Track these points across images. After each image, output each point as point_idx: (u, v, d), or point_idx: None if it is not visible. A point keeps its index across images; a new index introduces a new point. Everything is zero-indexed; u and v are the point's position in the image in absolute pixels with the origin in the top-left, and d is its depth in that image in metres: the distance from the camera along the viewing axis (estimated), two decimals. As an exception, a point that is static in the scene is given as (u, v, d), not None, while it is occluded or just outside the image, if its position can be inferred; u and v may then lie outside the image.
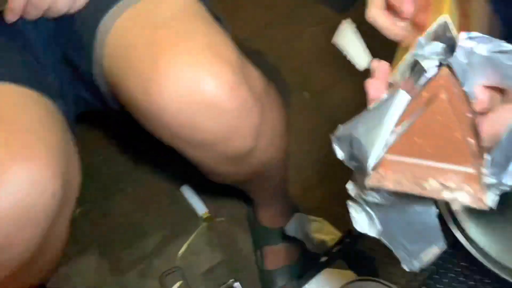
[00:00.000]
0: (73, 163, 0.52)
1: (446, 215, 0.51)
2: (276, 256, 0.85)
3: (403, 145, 0.32)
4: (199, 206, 0.94)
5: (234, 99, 0.48)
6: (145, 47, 0.48)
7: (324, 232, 0.64)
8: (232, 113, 0.48)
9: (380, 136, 0.33)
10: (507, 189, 0.33)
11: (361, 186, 0.36)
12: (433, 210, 0.35)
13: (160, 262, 0.89)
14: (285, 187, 0.84)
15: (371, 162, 0.33)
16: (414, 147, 0.32)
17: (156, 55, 0.47)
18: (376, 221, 0.36)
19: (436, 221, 0.35)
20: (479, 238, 0.50)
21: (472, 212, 0.53)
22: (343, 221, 0.71)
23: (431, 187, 0.31)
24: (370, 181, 0.32)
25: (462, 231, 0.50)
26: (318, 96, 1.09)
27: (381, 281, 0.46)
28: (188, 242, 0.91)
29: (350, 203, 0.37)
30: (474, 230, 0.51)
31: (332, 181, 1.02)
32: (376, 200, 0.35)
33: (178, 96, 0.46)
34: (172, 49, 0.47)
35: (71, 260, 0.88)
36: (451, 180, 0.31)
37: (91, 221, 0.91)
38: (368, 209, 0.36)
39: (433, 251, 0.37)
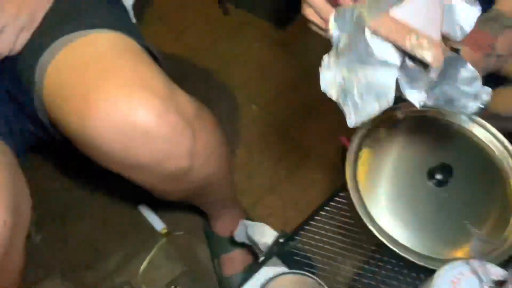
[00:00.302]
0: (22, 192, 0.58)
1: (362, 212, 0.59)
2: (232, 263, 0.91)
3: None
4: (157, 223, 1.00)
5: (164, 125, 0.54)
6: (78, 83, 0.54)
7: (266, 235, 0.71)
8: (163, 139, 0.55)
9: (381, 4, 0.44)
10: (427, 104, 0.45)
11: (340, 54, 0.46)
12: (394, 73, 0.44)
13: (123, 279, 0.94)
14: (234, 197, 0.91)
15: (370, 18, 0.43)
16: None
17: (88, 91, 0.53)
18: (339, 78, 0.46)
19: (393, 82, 0.44)
20: (392, 229, 0.58)
21: (389, 205, 0.61)
22: (294, 224, 0.79)
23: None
24: (369, 27, 0.44)
25: (375, 224, 0.58)
26: (265, 108, 1.17)
27: (306, 273, 0.53)
28: (148, 258, 0.97)
29: (321, 66, 0.46)
30: (387, 221, 0.58)
31: (282, 189, 1.10)
32: (346, 61, 0.45)
33: (110, 128, 0.52)
34: (102, 84, 0.53)
35: (36, 285, 0.92)
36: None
37: (52, 246, 0.96)
38: (335, 69, 0.46)
39: (379, 104, 0.44)
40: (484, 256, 0.50)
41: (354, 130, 0.65)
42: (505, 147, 0.63)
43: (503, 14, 0.63)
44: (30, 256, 0.70)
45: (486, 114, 0.76)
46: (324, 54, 0.46)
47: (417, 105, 0.45)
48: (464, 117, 0.64)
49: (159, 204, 0.99)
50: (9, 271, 0.59)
